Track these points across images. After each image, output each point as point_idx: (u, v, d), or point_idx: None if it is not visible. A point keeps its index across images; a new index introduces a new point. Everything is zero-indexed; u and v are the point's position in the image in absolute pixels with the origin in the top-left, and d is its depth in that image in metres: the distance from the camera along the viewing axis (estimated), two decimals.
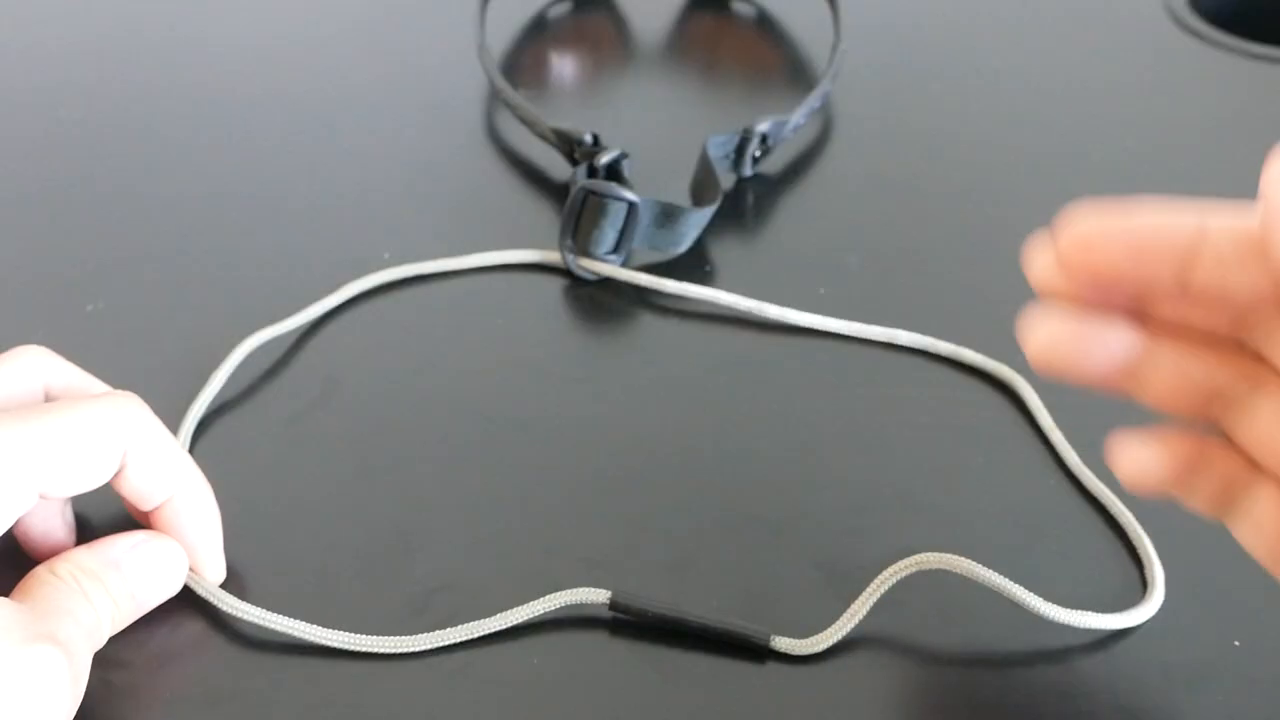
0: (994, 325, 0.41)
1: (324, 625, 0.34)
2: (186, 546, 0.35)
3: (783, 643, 0.34)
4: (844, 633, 0.34)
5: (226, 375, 0.42)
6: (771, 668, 0.34)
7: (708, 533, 0.38)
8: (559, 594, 0.35)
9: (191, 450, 0.40)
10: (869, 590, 0.34)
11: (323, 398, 0.42)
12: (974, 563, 0.34)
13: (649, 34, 0.62)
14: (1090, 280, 0.28)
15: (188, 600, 0.35)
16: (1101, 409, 0.31)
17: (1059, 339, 0.29)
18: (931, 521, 0.37)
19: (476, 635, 0.34)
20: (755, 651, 0.34)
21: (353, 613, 0.35)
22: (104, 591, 0.33)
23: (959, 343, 0.43)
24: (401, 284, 0.47)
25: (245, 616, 0.35)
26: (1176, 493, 0.30)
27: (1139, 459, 0.30)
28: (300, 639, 0.34)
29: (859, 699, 0.33)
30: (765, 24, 0.63)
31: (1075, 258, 0.28)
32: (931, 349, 0.43)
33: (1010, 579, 0.34)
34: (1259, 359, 0.29)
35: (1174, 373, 0.29)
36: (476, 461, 0.40)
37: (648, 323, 0.45)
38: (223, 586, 0.35)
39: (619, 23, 0.63)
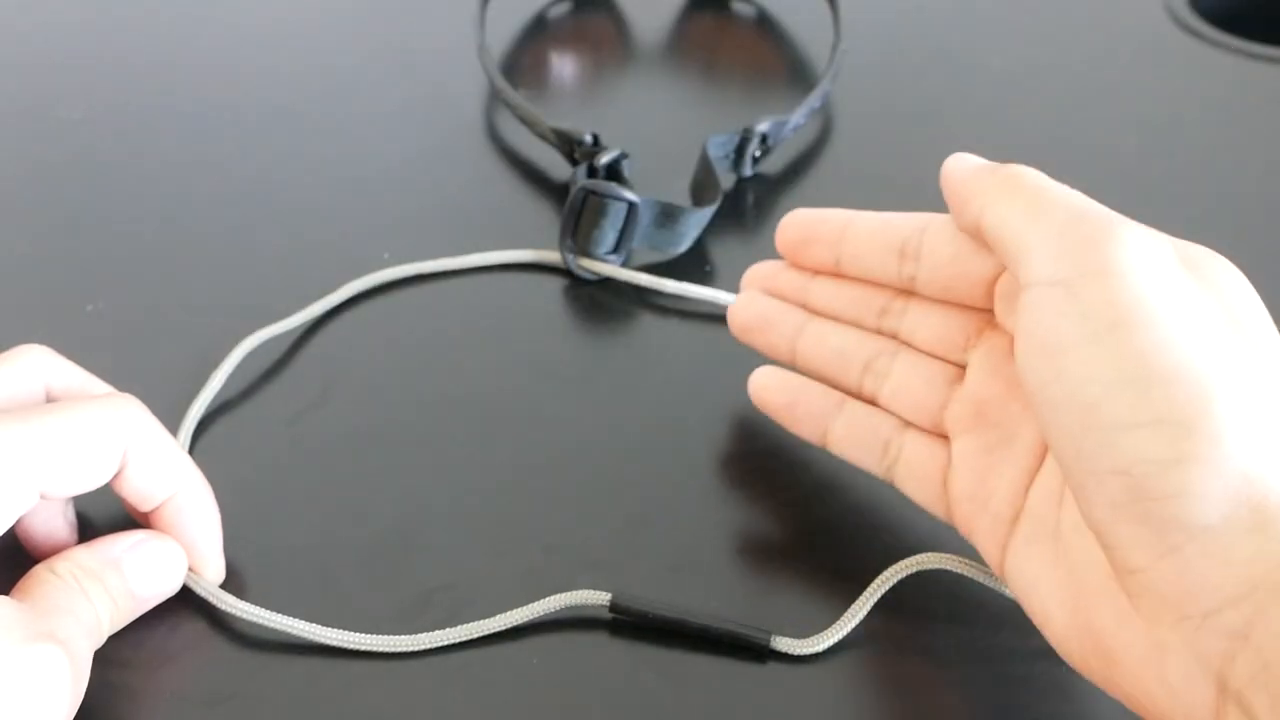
0: None
1: (324, 625, 0.34)
2: (186, 546, 0.35)
3: (783, 643, 0.34)
4: (844, 633, 0.34)
5: (226, 375, 0.42)
6: (772, 668, 0.34)
7: (708, 533, 0.38)
8: (560, 595, 0.34)
9: (191, 450, 0.40)
10: (869, 590, 0.34)
11: (323, 398, 0.42)
12: (974, 563, 0.34)
13: (649, 34, 0.62)
14: (793, 254, 0.38)
15: (187, 600, 0.35)
16: None
17: (754, 318, 0.39)
18: (932, 521, 0.37)
19: (476, 635, 0.34)
20: (756, 652, 0.34)
21: (352, 612, 0.35)
22: (104, 590, 0.33)
23: None
24: (401, 284, 0.47)
25: (244, 615, 0.35)
26: (787, 421, 0.38)
27: (756, 381, 0.39)
28: (300, 638, 0.34)
29: (859, 699, 0.33)
30: (765, 24, 0.63)
31: (783, 237, 0.38)
32: None
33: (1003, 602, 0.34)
34: (896, 337, 0.37)
35: (817, 340, 0.37)
36: (476, 461, 0.40)
37: (648, 323, 0.45)
38: (222, 586, 0.35)
39: (619, 23, 0.63)
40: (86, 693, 0.31)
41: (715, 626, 0.34)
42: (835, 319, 0.38)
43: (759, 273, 0.40)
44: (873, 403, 0.37)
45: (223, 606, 0.35)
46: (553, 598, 0.34)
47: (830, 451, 0.37)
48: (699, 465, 0.40)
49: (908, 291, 0.36)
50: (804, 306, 0.38)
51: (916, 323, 0.36)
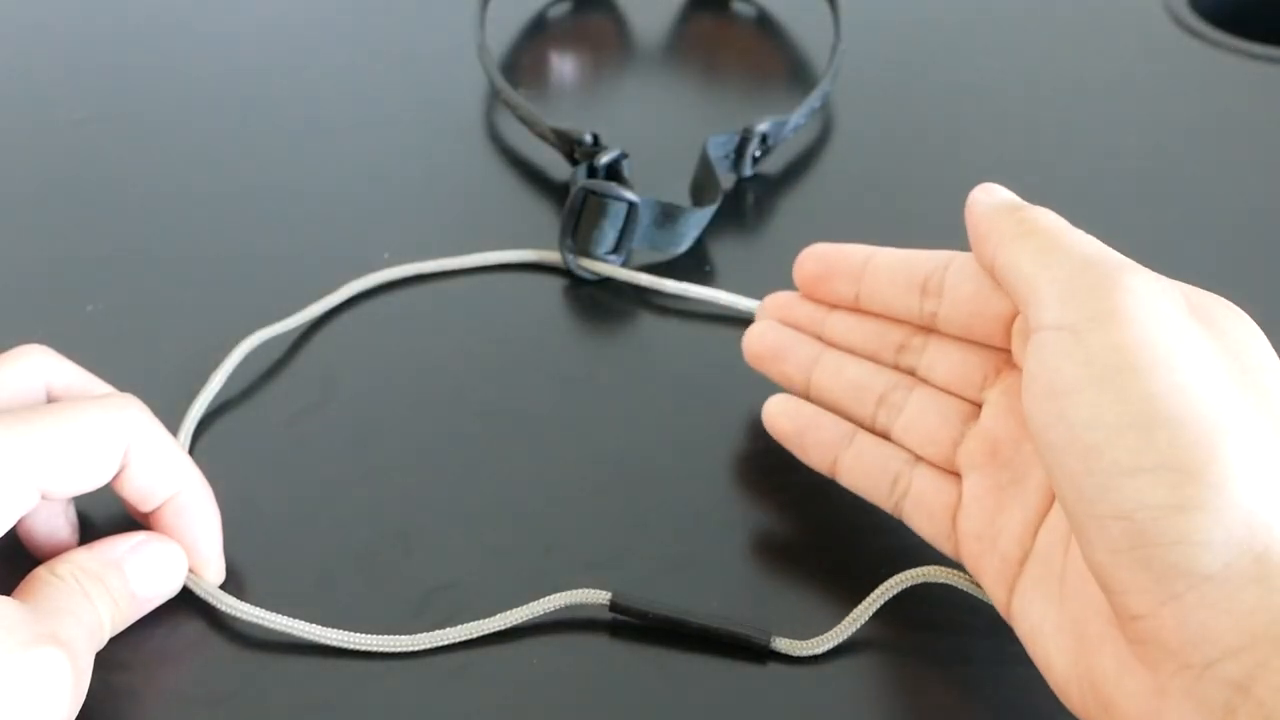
0: None
1: (324, 625, 0.34)
2: (186, 547, 0.35)
3: (783, 643, 0.34)
4: (845, 636, 0.34)
5: (226, 375, 0.42)
6: (772, 668, 0.34)
7: (708, 532, 0.38)
8: (559, 595, 0.35)
9: (191, 450, 0.40)
10: (871, 598, 0.34)
11: (323, 397, 0.42)
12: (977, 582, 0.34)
13: (649, 34, 0.62)
14: (812, 287, 0.38)
15: (187, 601, 0.35)
16: None
17: (769, 348, 0.39)
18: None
19: (476, 635, 0.34)
20: (756, 652, 0.34)
21: (352, 612, 0.35)
22: (105, 592, 0.33)
23: None
24: (401, 283, 0.46)
25: (244, 616, 0.35)
26: (796, 449, 0.38)
27: (769, 408, 0.38)
28: (299, 638, 0.34)
29: (859, 699, 0.33)
30: (765, 24, 0.63)
31: (801, 271, 0.39)
32: None
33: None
34: (914, 373, 0.37)
35: (833, 371, 0.37)
36: (476, 461, 0.40)
37: (648, 323, 0.45)
38: (222, 586, 0.35)
39: (619, 23, 0.63)
40: (87, 694, 0.31)
41: (715, 626, 0.34)
42: (852, 352, 0.38)
43: (775, 302, 0.40)
44: (885, 437, 0.37)
45: (223, 607, 0.35)
46: (552, 597, 0.34)
47: (839, 482, 0.37)
48: (699, 465, 0.40)
49: (927, 328, 0.36)
50: (820, 338, 0.39)
51: (935, 359, 0.36)
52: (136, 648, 0.34)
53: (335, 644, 0.34)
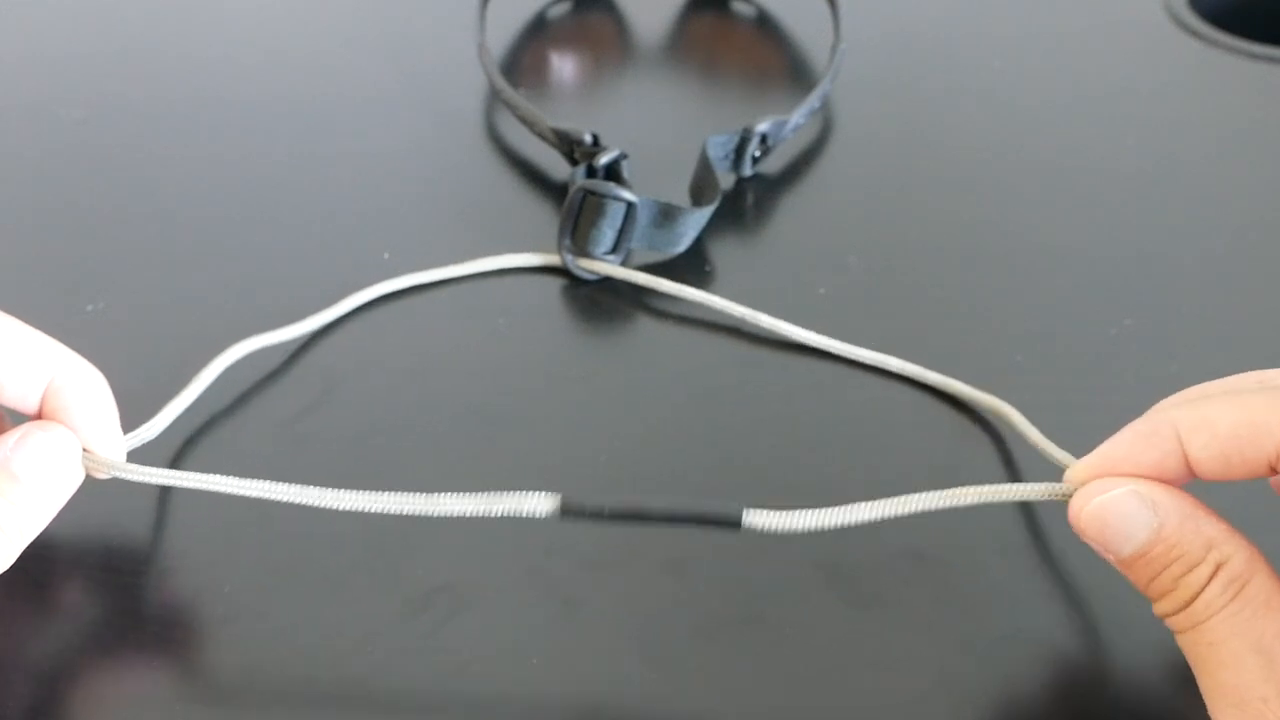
0: (990, 342, 0.42)
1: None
2: (75, 428, 0.33)
3: (756, 516, 0.32)
4: (825, 523, 0.32)
5: (212, 378, 0.41)
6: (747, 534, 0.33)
7: (707, 532, 0.37)
8: (501, 495, 0.33)
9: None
10: (869, 507, 0.32)
11: (324, 399, 0.42)
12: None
13: (649, 34, 0.62)
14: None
15: (185, 600, 0.35)
16: (1090, 442, 0.31)
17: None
18: (931, 525, 0.37)
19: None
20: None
21: (353, 612, 0.35)
22: None
23: (953, 362, 0.42)
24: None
25: (153, 480, 0.34)
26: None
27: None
28: (210, 490, 0.33)
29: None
30: (765, 24, 0.63)
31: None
32: (920, 378, 0.42)
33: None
34: None
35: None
36: (476, 461, 0.40)
37: (647, 323, 0.46)
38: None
39: (619, 23, 0.63)
40: (85, 694, 0.31)
41: (681, 511, 0.32)
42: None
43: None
44: None
45: (129, 476, 0.34)
46: (495, 501, 0.33)
47: None
48: (698, 465, 0.40)
49: None
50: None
51: None
52: (135, 647, 0.34)
53: (257, 495, 0.33)
